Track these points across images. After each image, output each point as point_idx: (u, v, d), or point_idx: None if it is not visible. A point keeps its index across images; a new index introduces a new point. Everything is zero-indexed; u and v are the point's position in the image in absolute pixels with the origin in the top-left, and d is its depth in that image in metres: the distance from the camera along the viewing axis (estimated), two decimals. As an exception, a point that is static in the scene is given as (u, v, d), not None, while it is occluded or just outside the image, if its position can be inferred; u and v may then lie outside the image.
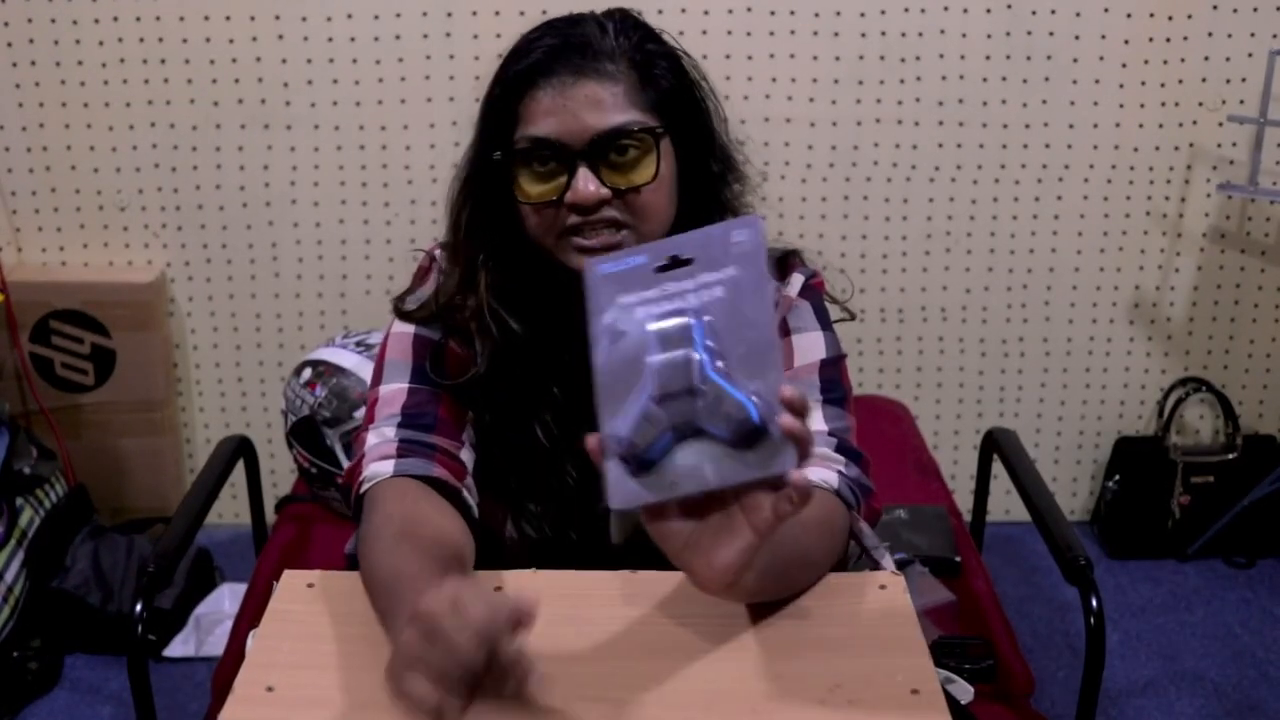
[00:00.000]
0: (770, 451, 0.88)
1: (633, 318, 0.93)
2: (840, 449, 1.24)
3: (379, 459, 1.22)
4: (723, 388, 0.89)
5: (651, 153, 1.19)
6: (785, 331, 1.29)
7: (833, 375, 1.29)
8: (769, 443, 0.87)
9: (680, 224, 1.23)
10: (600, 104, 1.17)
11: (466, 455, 1.28)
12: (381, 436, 1.25)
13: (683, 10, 2.47)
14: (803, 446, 0.88)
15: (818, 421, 1.24)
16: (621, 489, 0.90)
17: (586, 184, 1.17)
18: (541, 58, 1.19)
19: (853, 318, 1.37)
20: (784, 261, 1.33)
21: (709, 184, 1.26)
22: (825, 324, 1.31)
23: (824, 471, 1.21)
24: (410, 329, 1.30)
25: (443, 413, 1.27)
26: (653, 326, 0.92)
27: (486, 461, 1.31)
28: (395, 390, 1.28)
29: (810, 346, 1.29)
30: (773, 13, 2.49)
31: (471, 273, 1.27)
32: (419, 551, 1.09)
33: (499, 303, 1.26)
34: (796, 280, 1.32)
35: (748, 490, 0.90)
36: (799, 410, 0.88)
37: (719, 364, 0.90)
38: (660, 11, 2.46)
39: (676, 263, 0.93)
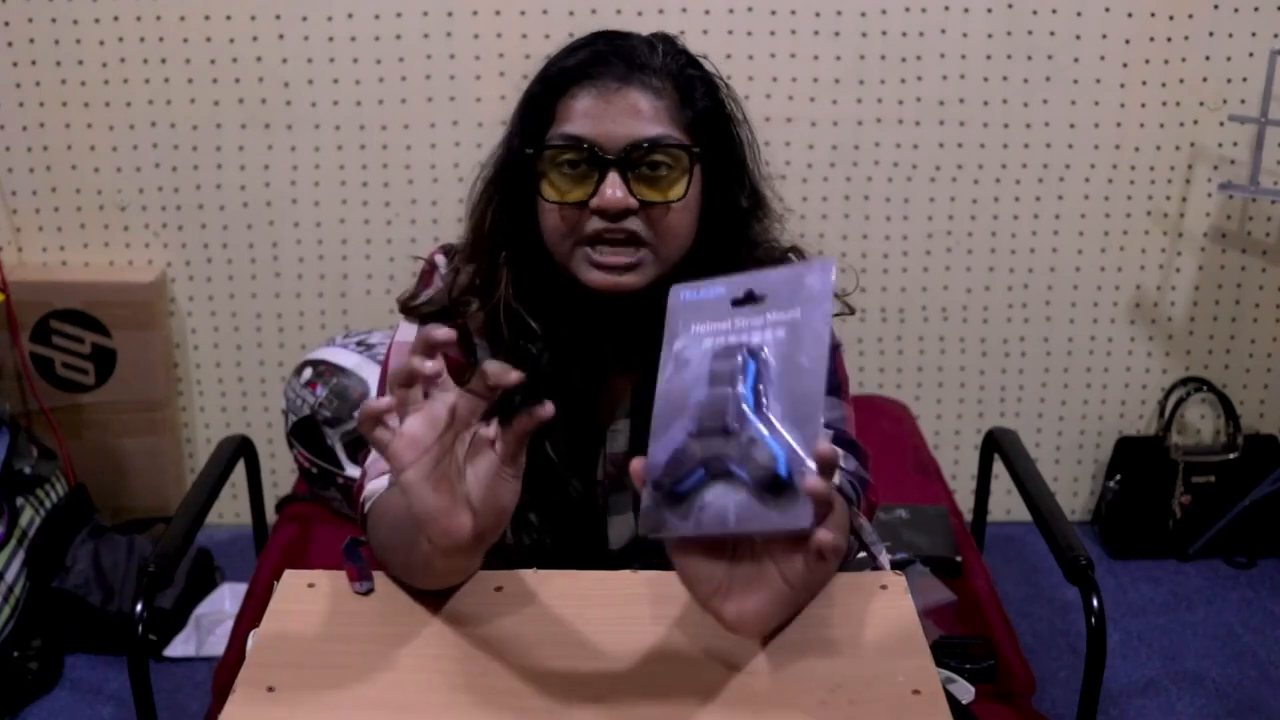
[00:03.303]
0: (791, 505, 0.86)
1: (700, 347, 0.92)
2: (838, 440, 1.23)
3: (377, 475, 1.23)
4: (757, 433, 0.88)
5: (683, 171, 1.18)
6: None
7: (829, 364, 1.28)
8: (792, 496, 0.86)
9: (697, 253, 1.22)
10: (640, 113, 1.16)
11: None
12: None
13: (683, 10, 2.47)
14: (822, 508, 0.86)
15: None
16: (651, 517, 0.90)
17: (614, 190, 1.16)
18: (589, 58, 1.19)
19: (851, 312, 1.36)
20: (783, 258, 1.33)
21: (733, 216, 1.25)
22: None
23: None
24: (411, 338, 1.29)
25: None
26: (708, 361, 0.92)
27: None
28: None
29: None
30: (773, 12, 2.49)
31: (492, 271, 1.26)
32: None
33: (519, 303, 1.25)
34: None
35: (778, 541, 0.90)
36: (829, 468, 0.86)
37: (764, 406, 0.89)
38: (661, 11, 2.46)
39: (751, 298, 0.92)
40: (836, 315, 1.33)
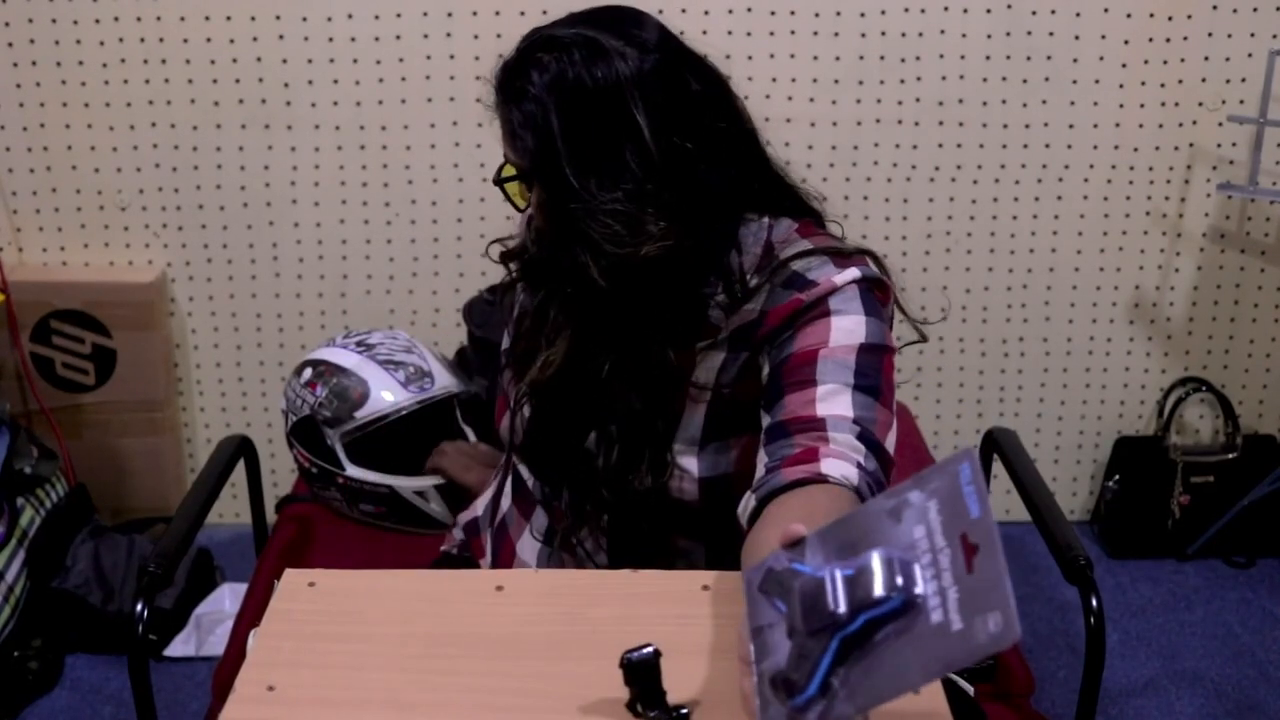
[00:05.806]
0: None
1: (912, 527, 0.86)
2: (863, 439, 1.20)
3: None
4: (820, 659, 0.86)
5: (520, 188, 1.34)
6: (825, 313, 1.26)
7: (871, 363, 1.24)
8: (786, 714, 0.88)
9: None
10: (504, 133, 1.35)
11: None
12: None
13: (683, 10, 2.47)
14: None
15: (843, 407, 1.21)
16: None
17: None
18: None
19: (924, 339, 1.37)
20: (850, 256, 1.31)
21: (575, 234, 1.29)
22: (873, 312, 1.27)
23: (844, 465, 1.17)
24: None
25: None
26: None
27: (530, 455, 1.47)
28: None
29: (852, 328, 1.25)
30: (773, 13, 2.49)
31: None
32: None
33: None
34: (851, 271, 1.29)
35: None
36: None
37: (857, 645, 0.85)
38: (660, 11, 2.45)
39: (972, 549, 0.82)
40: (909, 344, 1.37)
